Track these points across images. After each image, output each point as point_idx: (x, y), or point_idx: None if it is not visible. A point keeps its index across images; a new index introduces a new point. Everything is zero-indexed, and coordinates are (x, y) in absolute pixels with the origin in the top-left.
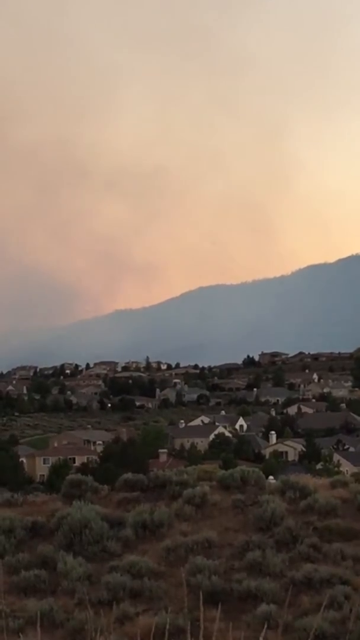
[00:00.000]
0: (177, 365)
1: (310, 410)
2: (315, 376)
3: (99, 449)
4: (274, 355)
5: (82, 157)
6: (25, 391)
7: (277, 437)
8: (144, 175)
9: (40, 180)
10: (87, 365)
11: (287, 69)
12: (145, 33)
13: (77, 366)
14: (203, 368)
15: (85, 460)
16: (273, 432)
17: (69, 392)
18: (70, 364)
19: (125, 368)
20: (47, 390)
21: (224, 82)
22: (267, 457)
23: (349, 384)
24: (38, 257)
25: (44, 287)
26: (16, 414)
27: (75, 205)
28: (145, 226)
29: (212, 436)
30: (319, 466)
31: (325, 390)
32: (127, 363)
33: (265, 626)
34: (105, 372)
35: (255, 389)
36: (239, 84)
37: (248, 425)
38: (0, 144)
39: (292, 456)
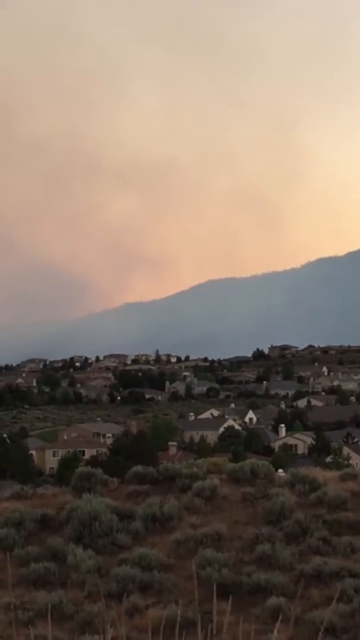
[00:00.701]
0: (187, 358)
1: (319, 404)
2: (324, 369)
3: (109, 441)
4: (284, 348)
5: (92, 150)
6: (35, 384)
7: (287, 430)
8: (154, 168)
9: (50, 173)
10: (97, 358)
11: (297, 62)
12: (155, 26)
13: (86, 359)
14: (213, 361)
15: (95, 453)
16: (282, 425)
17: (78, 385)
18: (80, 357)
19: (135, 361)
20: (57, 383)
21: (234, 75)
22: (276, 450)
23: (359, 377)
24: (48, 250)
25: (54, 279)
26: (26, 406)
27: (86, 198)
28: (155, 219)
29: (221, 429)
30: (328, 459)
31: (335, 383)
32: (137, 356)
33: (279, 619)
34: (115, 364)
35: (264, 382)
36: (248, 77)
37: (258, 418)
38: (9, 137)
39: (301, 449)
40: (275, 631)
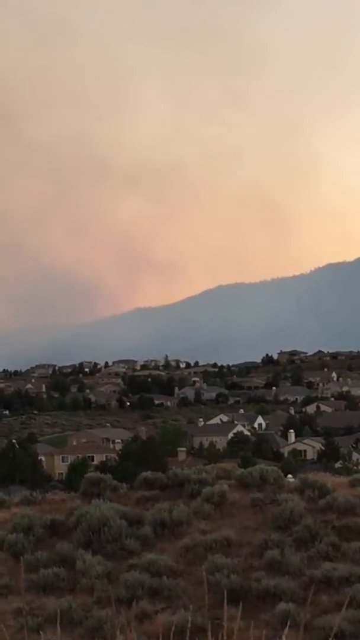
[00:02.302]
0: (196, 364)
1: (329, 409)
2: (334, 375)
3: (118, 447)
4: (293, 353)
5: (100, 154)
6: (44, 389)
7: (296, 436)
8: (163, 171)
9: (58, 177)
10: (106, 363)
11: (305, 66)
12: (162, 29)
13: (96, 364)
14: (222, 366)
15: (104, 459)
16: (292, 430)
17: (87, 391)
18: (89, 362)
19: (144, 366)
20: (66, 389)
21: (242, 78)
22: (285, 455)
23: None
24: (57, 255)
25: (63, 284)
26: (35, 412)
27: (94, 202)
28: (164, 223)
29: (230, 435)
30: (337, 465)
31: (344, 388)
32: (146, 361)
33: (288, 624)
34: (124, 370)
35: (274, 388)
36: (256, 80)
37: (267, 424)
38: (18, 141)
39: (310, 455)
40: (284, 637)
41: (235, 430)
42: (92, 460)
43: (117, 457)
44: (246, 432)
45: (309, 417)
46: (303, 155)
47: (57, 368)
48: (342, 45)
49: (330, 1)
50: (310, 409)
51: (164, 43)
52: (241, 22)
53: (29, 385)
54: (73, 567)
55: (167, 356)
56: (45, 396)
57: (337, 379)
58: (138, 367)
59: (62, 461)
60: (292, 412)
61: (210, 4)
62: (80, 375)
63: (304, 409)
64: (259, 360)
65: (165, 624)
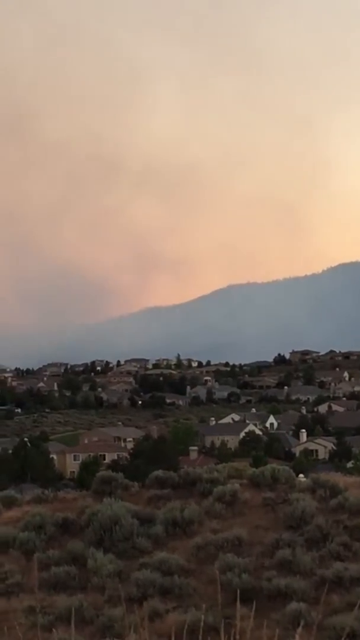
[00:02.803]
0: (208, 363)
1: (340, 409)
2: (346, 374)
3: (130, 446)
4: (305, 353)
5: (114, 153)
6: (56, 388)
7: (308, 436)
8: (175, 172)
9: (72, 176)
10: (118, 362)
11: (319, 65)
12: (176, 30)
13: (107, 363)
14: (234, 366)
15: (116, 457)
16: (303, 430)
17: (99, 389)
18: (101, 361)
19: (156, 365)
20: (78, 387)
21: (256, 78)
22: (297, 455)
23: None
24: (70, 254)
25: (75, 283)
26: (47, 410)
27: (107, 202)
28: (176, 223)
29: (242, 434)
30: (349, 464)
31: (356, 388)
32: (158, 360)
33: (301, 624)
34: (136, 369)
35: (285, 387)
36: (270, 80)
37: (278, 423)
38: (32, 140)
39: (322, 454)
40: (297, 637)
41: (247, 430)
42: (104, 459)
43: (128, 456)
44: (258, 432)
45: (321, 416)
46: (316, 155)
47: (69, 367)
48: (356, 44)
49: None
50: (322, 408)
51: (177, 43)
52: (254, 21)
53: (41, 384)
54: (84, 566)
55: (179, 355)
56: (57, 395)
57: (349, 379)
58: (150, 366)
59: (74, 460)
60: (304, 411)
61: (224, 3)
62: (92, 373)
63: (315, 409)
64: (270, 359)
65: (177, 623)
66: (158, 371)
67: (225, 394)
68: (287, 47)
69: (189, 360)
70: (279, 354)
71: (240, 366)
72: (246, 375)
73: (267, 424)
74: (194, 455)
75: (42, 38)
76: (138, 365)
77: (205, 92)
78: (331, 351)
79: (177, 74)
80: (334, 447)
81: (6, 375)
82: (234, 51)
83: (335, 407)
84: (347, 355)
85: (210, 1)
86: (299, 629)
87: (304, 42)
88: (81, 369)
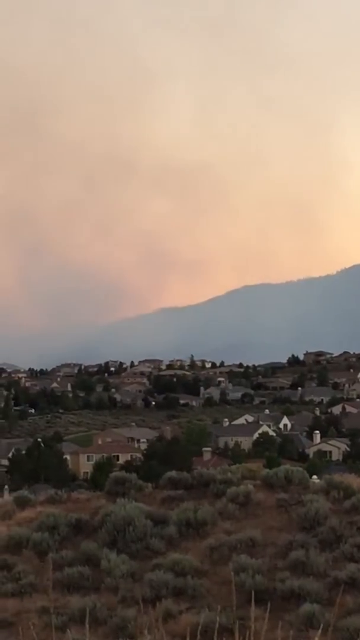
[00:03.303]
0: (222, 364)
1: (354, 410)
2: None
3: (143, 446)
4: (319, 354)
5: (127, 153)
6: (69, 388)
7: (321, 437)
8: (189, 171)
9: (85, 176)
10: (132, 363)
11: (333, 65)
12: (189, 29)
13: (121, 364)
14: (247, 367)
15: (129, 458)
16: (317, 431)
17: (113, 390)
18: (115, 362)
19: (169, 366)
20: (92, 388)
21: (269, 77)
22: (311, 456)
23: None
24: (83, 254)
25: (89, 284)
26: (60, 411)
27: (121, 202)
28: (190, 223)
29: (256, 435)
30: None
31: None
32: (172, 361)
33: (321, 626)
34: (149, 370)
35: (299, 388)
36: (284, 81)
37: (292, 425)
38: (44, 140)
39: (336, 456)
40: (316, 638)
41: (260, 431)
42: (117, 460)
43: (142, 457)
44: (271, 433)
45: (335, 418)
46: (331, 155)
47: (82, 367)
48: None
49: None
50: (336, 409)
51: (192, 43)
52: (269, 21)
53: (55, 384)
54: (98, 566)
55: (192, 356)
56: (70, 395)
57: None
58: (164, 367)
59: (87, 460)
60: (318, 412)
61: (238, 3)
62: (106, 374)
63: (329, 410)
64: (284, 360)
65: (190, 624)
66: (172, 372)
67: (238, 395)
68: (302, 47)
69: (203, 361)
70: (293, 355)
71: (254, 367)
72: (260, 376)
73: (281, 425)
74: (207, 456)
75: (57, 37)
76: (152, 366)
77: (220, 92)
78: (345, 352)
79: (192, 74)
80: (348, 449)
81: (20, 375)
82: (249, 51)
83: (349, 409)
84: None
85: (223, 1)
86: (318, 632)
87: (319, 42)
88: (95, 369)
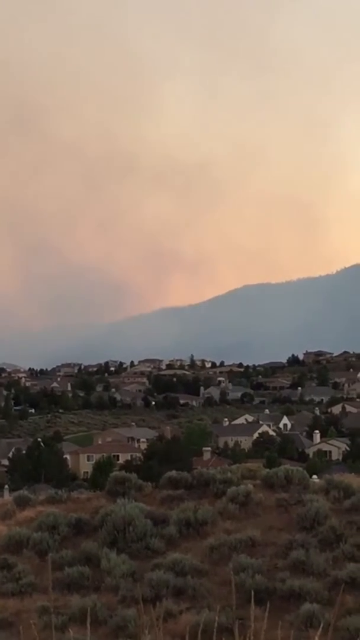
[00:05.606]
0: (222, 364)
1: (354, 410)
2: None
3: (143, 446)
4: (319, 354)
5: (128, 152)
6: (69, 388)
7: (321, 436)
8: (190, 170)
9: (86, 175)
10: (132, 362)
11: (333, 64)
12: (190, 28)
13: (121, 364)
14: (247, 366)
15: (129, 458)
16: (317, 431)
17: (113, 390)
18: (115, 362)
19: (169, 366)
20: (92, 388)
21: (270, 76)
22: (310, 456)
23: None
24: (84, 253)
25: (89, 283)
26: (60, 410)
27: (122, 200)
28: (191, 222)
29: (255, 435)
30: None
31: None
32: (172, 361)
33: (321, 626)
34: (149, 369)
35: (299, 388)
36: (284, 79)
37: (292, 424)
38: (45, 139)
39: (336, 455)
40: (317, 638)
41: (260, 431)
42: (117, 459)
43: (142, 457)
44: (271, 433)
45: (335, 417)
46: (331, 154)
47: (82, 367)
48: None
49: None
50: (336, 409)
51: (191, 41)
52: (269, 20)
53: (55, 384)
54: (98, 566)
55: (192, 356)
56: (70, 395)
57: None
58: (163, 367)
59: (87, 460)
60: (318, 412)
61: (240, 2)
62: (106, 374)
63: (329, 410)
64: (284, 360)
65: (190, 624)
66: (172, 372)
67: (238, 394)
68: (302, 46)
69: (203, 361)
70: (293, 355)
71: (254, 367)
72: (260, 376)
73: (281, 425)
74: (207, 455)
75: (55, 36)
76: (152, 366)
77: (220, 90)
78: (345, 352)
79: (191, 72)
80: (348, 448)
81: (20, 375)
82: (249, 50)
83: (349, 408)
84: None
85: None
86: (318, 632)
87: (319, 41)
88: (95, 369)
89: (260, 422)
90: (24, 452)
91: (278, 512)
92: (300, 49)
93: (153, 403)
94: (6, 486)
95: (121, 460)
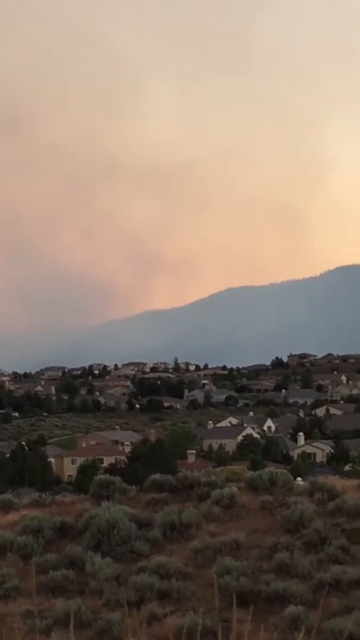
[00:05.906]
0: (206, 366)
1: (338, 412)
2: (343, 378)
3: (127, 449)
4: (303, 356)
5: (112, 154)
6: (53, 391)
7: (306, 439)
8: (174, 172)
9: (70, 178)
10: (116, 366)
11: (318, 65)
12: (175, 29)
13: (105, 367)
14: (231, 369)
15: (114, 461)
16: (301, 433)
17: (97, 393)
18: (99, 365)
19: (153, 369)
20: (76, 391)
21: (255, 78)
22: (295, 458)
23: None
24: (68, 257)
25: (74, 286)
26: (44, 414)
27: (106, 203)
28: (175, 225)
29: (240, 437)
30: (347, 468)
31: (354, 391)
32: (156, 364)
33: (303, 628)
34: (133, 372)
35: (283, 390)
36: (268, 80)
37: (276, 427)
38: (29, 142)
39: (320, 458)
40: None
41: (244, 433)
42: (102, 463)
43: (126, 460)
44: (255, 435)
45: (319, 420)
46: (316, 156)
47: (66, 370)
48: (357, 44)
49: (346, 1)
50: (320, 412)
51: (175, 43)
52: (253, 21)
53: (39, 388)
54: (82, 570)
55: (176, 359)
56: (54, 398)
57: (347, 382)
58: (147, 370)
59: (72, 463)
60: (302, 415)
61: (224, 4)
62: (90, 377)
63: (313, 412)
64: (268, 363)
65: (175, 627)
66: (156, 375)
67: (223, 397)
68: (286, 46)
69: (187, 364)
70: (277, 358)
71: (238, 369)
72: (244, 379)
73: (265, 428)
74: (191, 458)
75: (39, 39)
76: (136, 369)
77: (203, 92)
78: (329, 354)
79: (175, 73)
80: (332, 450)
81: (4, 379)
82: (233, 50)
83: (333, 410)
84: (344, 359)
85: (210, 1)
86: (301, 633)
87: (303, 41)
88: (79, 372)
89: (245, 424)
90: (8, 455)
91: (262, 514)
92: (285, 50)
93: (137, 406)
94: None
95: (105, 464)
